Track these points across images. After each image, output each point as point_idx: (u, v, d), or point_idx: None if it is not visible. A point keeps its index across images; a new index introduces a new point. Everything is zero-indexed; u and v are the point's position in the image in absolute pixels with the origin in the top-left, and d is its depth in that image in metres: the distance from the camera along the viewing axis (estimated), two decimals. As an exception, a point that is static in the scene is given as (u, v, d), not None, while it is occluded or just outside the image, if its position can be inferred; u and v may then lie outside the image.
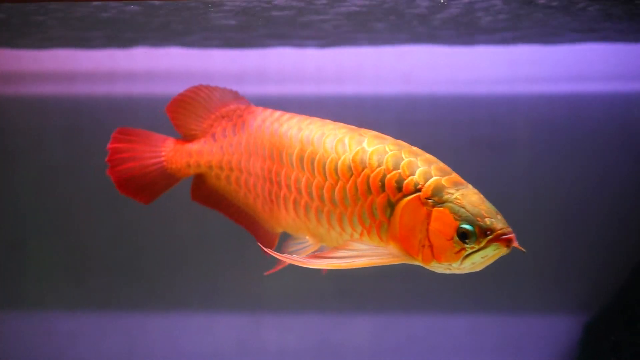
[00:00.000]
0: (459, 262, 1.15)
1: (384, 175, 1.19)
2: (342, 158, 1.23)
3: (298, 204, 1.28)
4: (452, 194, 1.16)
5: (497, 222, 1.13)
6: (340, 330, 2.14)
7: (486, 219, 1.13)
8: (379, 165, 1.20)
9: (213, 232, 2.11)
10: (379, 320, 2.14)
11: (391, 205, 1.19)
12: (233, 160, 1.37)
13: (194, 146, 1.41)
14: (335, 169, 1.23)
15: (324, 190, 1.24)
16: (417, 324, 2.13)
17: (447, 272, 1.18)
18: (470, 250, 1.13)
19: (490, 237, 1.12)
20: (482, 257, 1.14)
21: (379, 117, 2.10)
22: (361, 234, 1.22)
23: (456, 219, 1.14)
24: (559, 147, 2.08)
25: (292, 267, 2.06)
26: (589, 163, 2.08)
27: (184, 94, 1.40)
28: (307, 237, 1.30)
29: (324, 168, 1.24)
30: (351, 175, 1.22)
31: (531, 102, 2.08)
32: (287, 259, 1.22)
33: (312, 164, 1.25)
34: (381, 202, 1.20)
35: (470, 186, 1.18)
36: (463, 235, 1.13)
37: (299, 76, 2.12)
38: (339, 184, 1.23)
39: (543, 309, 2.11)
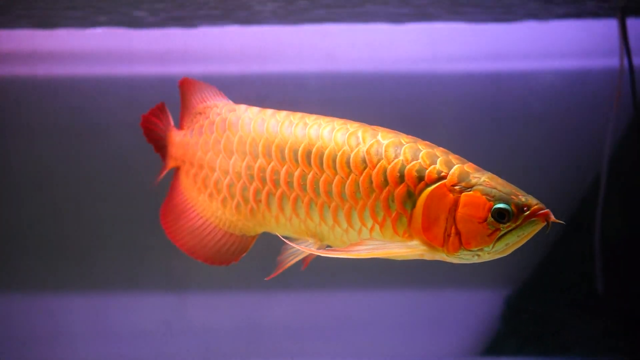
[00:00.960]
0: (491, 245, 1.14)
1: (403, 166, 1.17)
2: (356, 151, 1.20)
3: (300, 201, 1.23)
4: (479, 177, 1.16)
5: (531, 198, 1.13)
6: (265, 308, 2.14)
7: (520, 197, 1.13)
8: (396, 157, 1.18)
9: (138, 212, 2.09)
10: (304, 297, 2.16)
11: (411, 196, 1.17)
12: (206, 158, 1.31)
13: (176, 137, 1.38)
14: (347, 162, 1.20)
15: (333, 185, 1.21)
16: (340, 300, 2.15)
17: (474, 260, 1.16)
18: (505, 230, 1.13)
19: (527, 213, 1.12)
20: (518, 236, 1.14)
21: (302, 96, 2.11)
22: (371, 229, 1.20)
23: (489, 200, 1.13)
24: (481, 125, 2.10)
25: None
26: (511, 141, 2.10)
27: (184, 81, 1.39)
28: (304, 237, 1.26)
29: (334, 162, 1.20)
30: (365, 168, 1.19)
31: (453, 80, 2.10)
32: (310, 250, 1.21)
33: (321, 158, 1.21)
34: (400, 193, 1.17)
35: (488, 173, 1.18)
36: (499, 215, 1.12)
37: (222, 55, 2.11)
38: (350, 178, 1.20)
39: (466, 283, 2.13)
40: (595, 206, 1.99)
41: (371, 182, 1.19)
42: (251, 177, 1.26)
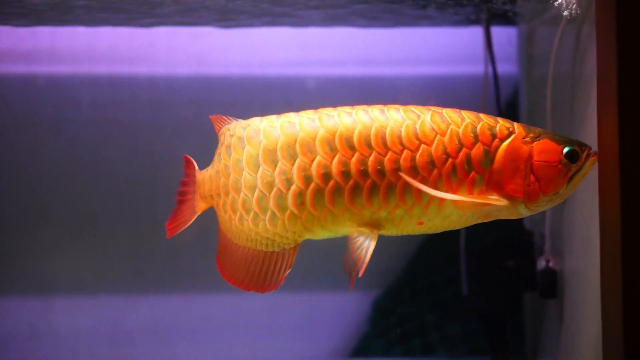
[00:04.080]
0: (565, 186, 1.22)
1: (475, 127, 1.20)
2: (420, 121, 1.20)
3: (358, 189, 1.19)
4: (536, 129, 1.24)
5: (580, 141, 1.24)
6: (135, 311, 2.12)
7: (573, 140, 1.24)
8: (463, 120, 1.21)
9: (4, 215, 2.05)
10: (175, 301, 2.14)
11: (487, 155, 1.20)
12: (229, 182, 1.25)
13: (199, 177, 1.33)
14: (415, 135, 1.19)
15: (401, 161, 1.19)
16: (212, 303, 2.14)
17: (547, 207, 1.25)
18: (574, 170, 1.22)
19: (586, 152, 1.22)
20: (582, 175, 1.23)
21: (172, 99, 2.10)
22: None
23: (560, 144, 1.22)
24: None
25: (89, 250, 2.05)
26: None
27: (214, 119, 1.33)
28: (353, 233, 1.23)
29: (399, 138, 1.18)
30: (435, 136, 1.19)
31: (324, 84, 2.12)
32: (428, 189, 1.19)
33: (383, 138, 1.19)
34: (477, 153, 1.20)
35: None
36: (571, 156, 1.21)
37: (91, 55, 2.08)
38: (421, 149, 1.19)
39: (334, 286, 2.14)
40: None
41: (445, 149, 1.19)
42: (288, 181, 1.20)
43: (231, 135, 1.26)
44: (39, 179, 2.08)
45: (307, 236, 1.25)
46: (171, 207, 2.06)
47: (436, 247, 2.14)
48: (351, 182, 1.19)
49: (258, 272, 1.27)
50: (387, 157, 1.19)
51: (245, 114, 2.07)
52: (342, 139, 1.20)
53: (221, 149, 1.27)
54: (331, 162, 1.19)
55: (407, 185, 1.19)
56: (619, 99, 1.17)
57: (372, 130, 1.19)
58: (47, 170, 2.09)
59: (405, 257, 2.16)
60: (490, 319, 1.94)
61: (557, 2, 1.54)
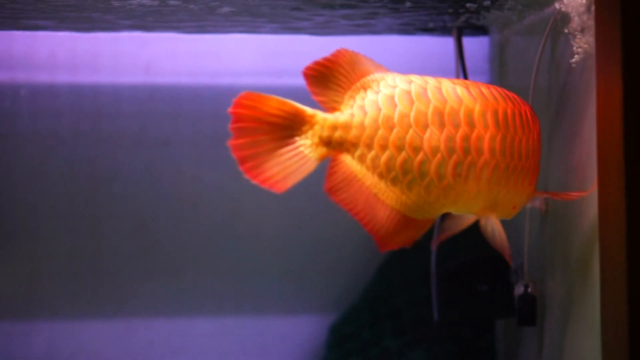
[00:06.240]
0: None
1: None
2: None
3: (498, 168, 1.18)
4: None
5: None
6: (73, 336, 2.01)
7: None
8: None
9: None
10: (119, 324, 2.03)
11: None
12: (391, 137, 1.14)
13: (340, 117, 1.16)
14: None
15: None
16: (158, 327, 2.03)
17: None
18: None
19: None
20: None
21: (116, 108, 1.99)
22: None
23: None
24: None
25: (21, 271, 1.95)
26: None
27: (328, 58, 1.16)
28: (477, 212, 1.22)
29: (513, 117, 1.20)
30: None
31: (274, 94, 2.02)
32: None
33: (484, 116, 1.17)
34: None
35: None
36: None
37: (30, 62, 1.98)
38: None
39: (291, 310, 2.05)
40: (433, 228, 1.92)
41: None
42: (451, 150, 1.14)
43: (392, 86, 1.16)
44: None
45: (444, 211, 1.20)
46: (116, 225, 2.00)
47: (398, 268, 2.03)
48: (494, 161, 1.17)
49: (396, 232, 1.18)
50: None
51: (194, 125, 2.02)
52: (467, 114, 1.16)
53: (376, 98, 1.16)
54: (485, 136, 1.17)
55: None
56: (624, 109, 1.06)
57: (476, 110, 1.17)
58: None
59: (366, 278, 2.05)
60: (462, 345, 1.85)
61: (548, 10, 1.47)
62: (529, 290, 1.66)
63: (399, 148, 1.14)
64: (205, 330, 2.03)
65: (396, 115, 1.14)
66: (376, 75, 1.18)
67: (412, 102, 1.14)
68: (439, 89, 1.16)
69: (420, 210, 1.16)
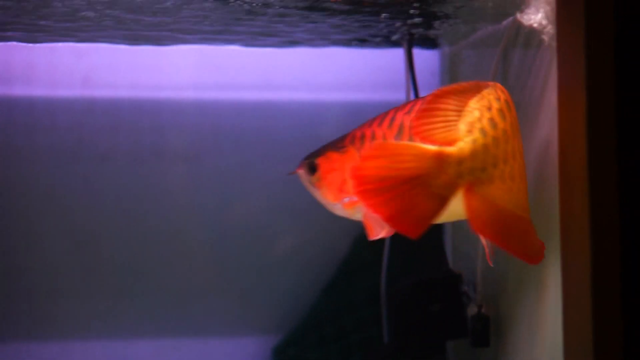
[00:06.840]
0: None
1: None
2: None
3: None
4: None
5: None
6: (7, 358, 1.93)
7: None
8: None
9: None
10: (54, 347, 1.94)
11: None
12: (508, 149, 1.14)
13: (464, 148, 1.11)
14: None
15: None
16: (94, 350, 1.95)
17: None
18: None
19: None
20: None
21: (52, 121, 1.91)
22: None
23: None
24: (262, 156, 1.98)
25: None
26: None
27: (431, 103, 1.12)
28: None
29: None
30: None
31: (216, 107, 1.98)
32: None
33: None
34: None
35: None
36: None
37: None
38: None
39: (229, 332, 1.99)
40: (382, 248, 1.87)
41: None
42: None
43: (497, 99, 1.15)
44: None
45: None
46: (51, 244, 1.92)
47: (344, 288, 1.98)
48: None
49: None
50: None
51: (134, 139, 1.95)
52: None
53: (492, 114, 1.13)
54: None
55: None
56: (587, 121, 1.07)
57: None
58: None
59: (311, 299, 1.99)
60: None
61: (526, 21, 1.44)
62: (483, 310, 1.62)
63: (513, 156, 1.14)
64: (144, 353, 1.96)
65: (509, 126, 1.15)
66: (487, 91, 1.16)
67: (510, 111, 1.15)
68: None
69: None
